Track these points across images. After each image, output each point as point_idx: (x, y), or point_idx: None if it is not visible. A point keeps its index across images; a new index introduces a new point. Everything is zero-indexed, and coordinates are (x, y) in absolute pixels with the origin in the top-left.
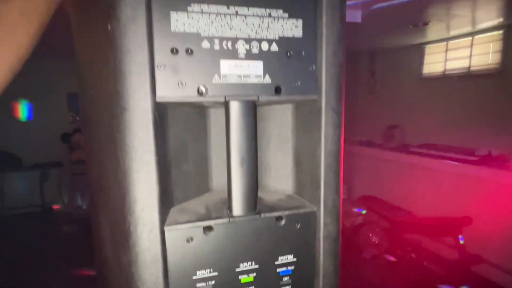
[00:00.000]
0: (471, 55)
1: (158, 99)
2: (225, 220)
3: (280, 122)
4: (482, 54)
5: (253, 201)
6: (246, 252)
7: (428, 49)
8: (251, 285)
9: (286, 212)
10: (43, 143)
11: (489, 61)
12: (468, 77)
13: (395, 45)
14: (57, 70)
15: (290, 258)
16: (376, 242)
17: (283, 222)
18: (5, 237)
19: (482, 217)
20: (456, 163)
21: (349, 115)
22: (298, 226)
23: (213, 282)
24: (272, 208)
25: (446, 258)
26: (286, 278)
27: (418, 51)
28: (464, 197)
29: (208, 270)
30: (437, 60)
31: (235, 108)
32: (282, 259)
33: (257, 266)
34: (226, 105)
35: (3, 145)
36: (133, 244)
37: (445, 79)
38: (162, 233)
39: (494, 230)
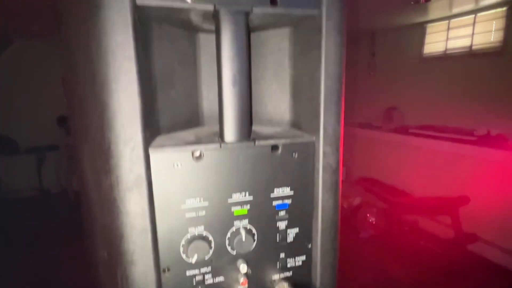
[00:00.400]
0: (473, 34)
1: (138, 2)
2: (216, 145)
3: (276, 49)
4: (485, 32)
5: (247, 127)
6: (240, 182)
7: (430, 28)
8: (244, 218)
9: (282, 141)
10: (39, 126)
11: (492, 40)
12: (469, 56)
13: (396, 24)
14: (52, 52)
15: (286, 190)
16: (374, 222)
17: (279, 151)
18: (4, 221)
19: (479, 197)
20: (455, 143)
21: (348, 97)
22: (296, 156)
23: (204, 212)
24: (267, 137)
25: (442, 237)
26: (282, 213)
27: (419, 30)
28: (462, 177)
29: (198, 199)
30: (438, 39)
31: (225, 19)
32: (278, 192)
33: (251, 198)
34: (215, 15)
35: None
36: (115, 165)
37: (446, 58)
38: (147, 155)
39: (491, 209)
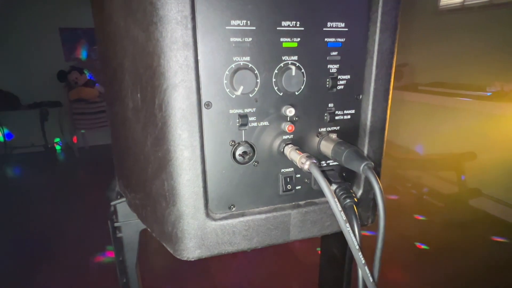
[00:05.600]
0: None
1: None
2: None
3: None
4: None
5: None
6: (290, 8)
7: None
8: (294, 53)
9: None
10: (40, 82)
11: None
12: (490, 7)
13: None
14: (48, 3)
15: (340, 26)
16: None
17: None
18: (10, 175)
19: (486, 152)
20: (466, 99)
21: None
22: None
23: (250, 39)
24: None
25: (445, 192)
26: (334, 53)
27: None
28: (471, 133)
29: (244, 21)
30: None
31: None
32: (331, 26)
33: (302, 29)
34: None
35: None
36: None
37: (464, 10)
38: None
39: (496, 164)
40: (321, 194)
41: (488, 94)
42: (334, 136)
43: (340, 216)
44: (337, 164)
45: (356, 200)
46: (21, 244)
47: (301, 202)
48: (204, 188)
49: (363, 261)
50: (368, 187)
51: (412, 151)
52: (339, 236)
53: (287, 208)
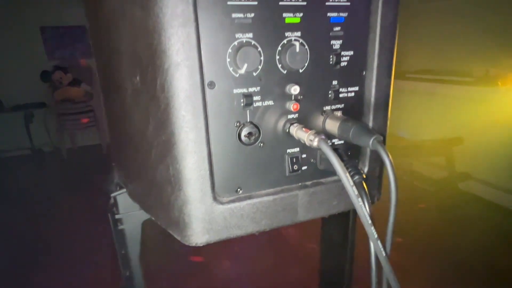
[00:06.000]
0: None
1: None
2: None
3: None
4: None
5: None
6: None
7: None
8: (297, 29)
9: None
10: (22, 83)
11: None
12: None
13: None
14: (28, 2)
15: (343, 0)
16: None
17: None
18: None
19: (473, 136)
20: (452, 85)
21: None
22: None
23: (253, 15)
24: None
25: (435, 177)
26: (337, 28)
27: None
28: (458, 118)
29: None
30: None
31: None
32: (333, 0)
33: (304, 3)
34: None
35: None
36: None
37: None
38: None
39: (483, 148)
40: (327, 173)
41: (474, 79)
42: (339, 113)
43: (352, 191)
44: (342, 143)
45: (364, 176)
46: (18, 245)
47: (308, 183)
48: (210, 171)
49: (376, 235)
50: (374, 165)
51: (401, 138)
52: (340, 220)
53: (294, 189)
